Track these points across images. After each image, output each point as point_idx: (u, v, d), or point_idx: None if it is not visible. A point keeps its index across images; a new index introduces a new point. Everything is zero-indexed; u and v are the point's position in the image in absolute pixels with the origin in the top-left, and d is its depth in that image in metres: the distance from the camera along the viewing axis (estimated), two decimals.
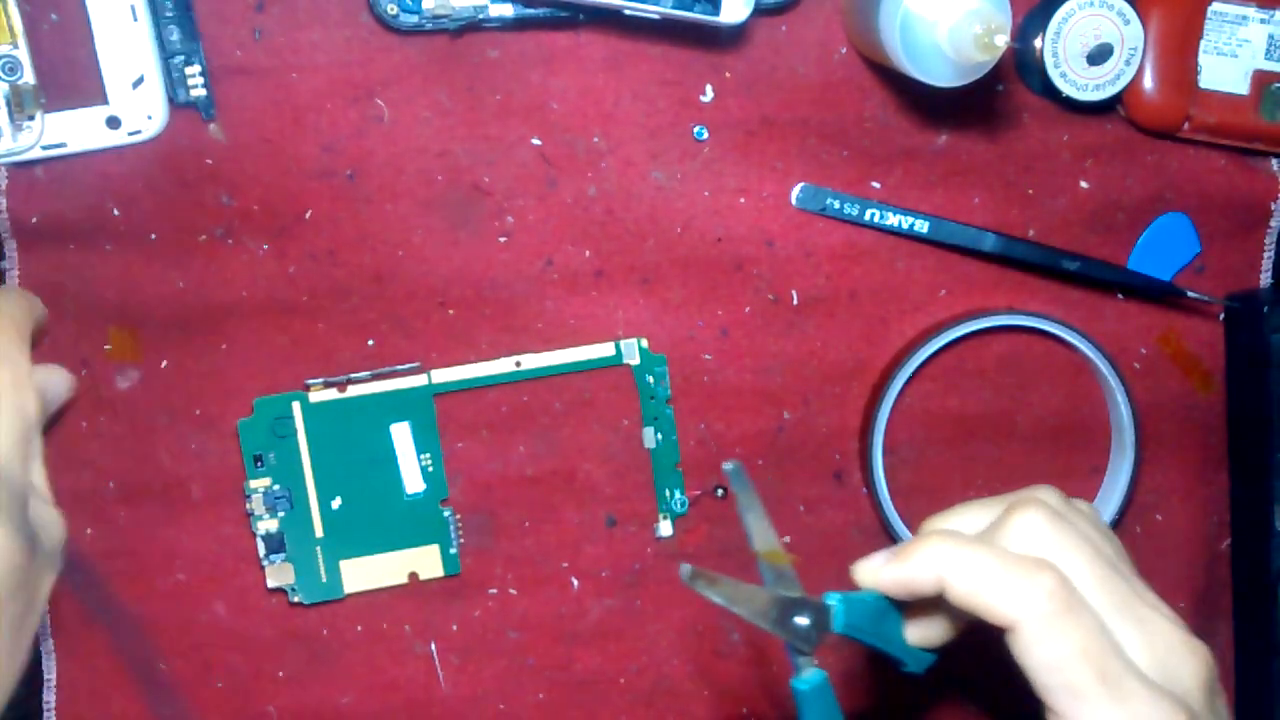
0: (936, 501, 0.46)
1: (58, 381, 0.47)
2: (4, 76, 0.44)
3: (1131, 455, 0.52)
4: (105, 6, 0.45)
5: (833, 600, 0.38)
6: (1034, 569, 0.35)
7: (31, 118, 0.44)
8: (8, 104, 0.44)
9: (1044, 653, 0.35)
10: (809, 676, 0.37)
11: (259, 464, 0.49)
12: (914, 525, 0.50)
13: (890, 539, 0.52)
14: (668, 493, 0.51)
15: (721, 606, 0.37)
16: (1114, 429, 0.53)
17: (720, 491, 0.51)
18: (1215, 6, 0.50)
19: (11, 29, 0.44)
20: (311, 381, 0.49)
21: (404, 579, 0.50)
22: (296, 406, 0.49)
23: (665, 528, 0.51)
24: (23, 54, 0.44)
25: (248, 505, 0.49)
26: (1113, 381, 0.51)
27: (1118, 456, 0.53)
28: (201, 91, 0.46)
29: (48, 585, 0.41)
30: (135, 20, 0.45)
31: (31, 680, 0.49)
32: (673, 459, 0.51)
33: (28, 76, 0.44)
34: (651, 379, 0.51)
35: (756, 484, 0.52)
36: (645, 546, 0.52)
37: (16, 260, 0.47)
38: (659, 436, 0.51)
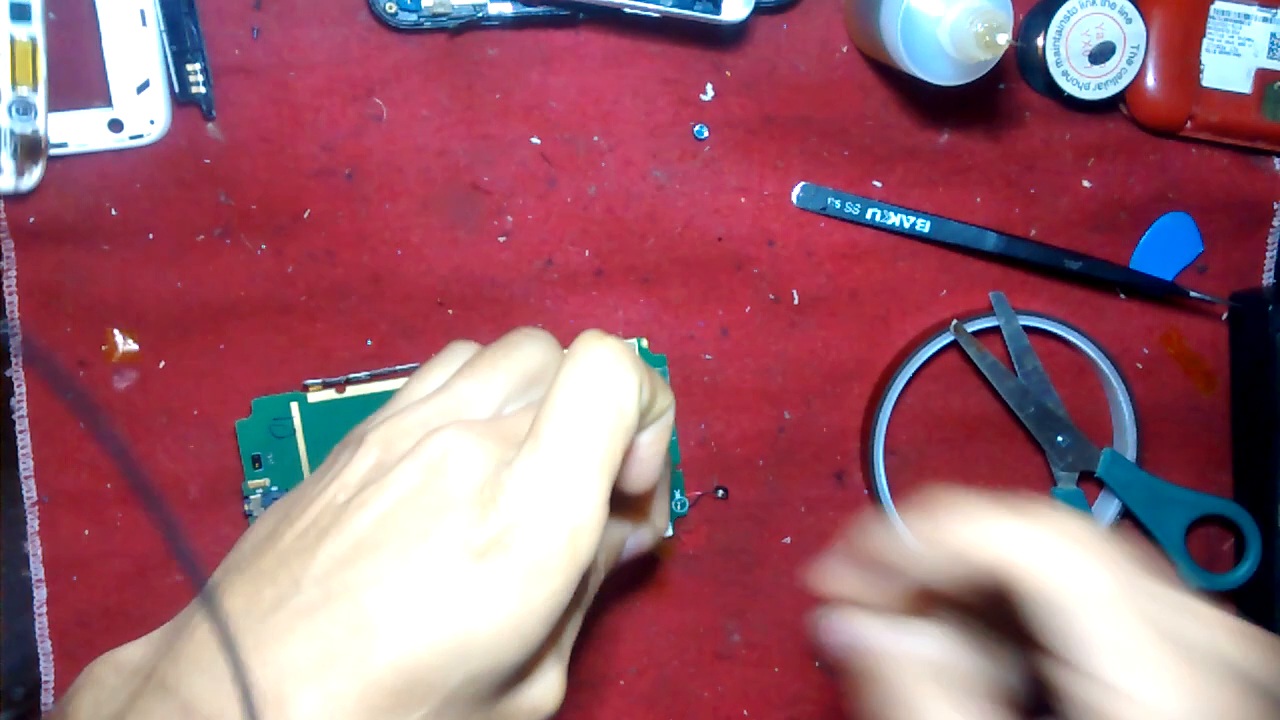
0: None
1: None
2: (17, 118, 0.43)
3: (1134, 455, 0.52)
4: (115, 9, 0.45)
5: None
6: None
7: (36, 164, 0.44)
8: (15, 147, 0.44)
9: None
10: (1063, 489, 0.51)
11: (257, 465, 0.49)
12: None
13: None
14: None
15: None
16: (1116, 429, 0.53)
17: (720, 492, 0.51)
18: (1217, 5, 0.49)
19: (35, 74, 0.44)
20: (310, 382, 0.49)
21: None
22: (295, 407, 0.49)
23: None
24: (40, 100, 0.44)
25: (246, 506, 0.49)
26: (1114, 381, 0.51)
27: (1121, 453, 0.52)
28: (201, 89, 0.46)
29: None
30: (144, 25, 0.45)
31: (30, 681, 0.49)
32: (673, 460, 0.51)
33: (39, 124, 0.44)
34: None
35: (757, 483, 0.52)
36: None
37: (14, 260, 0.47)
38: None
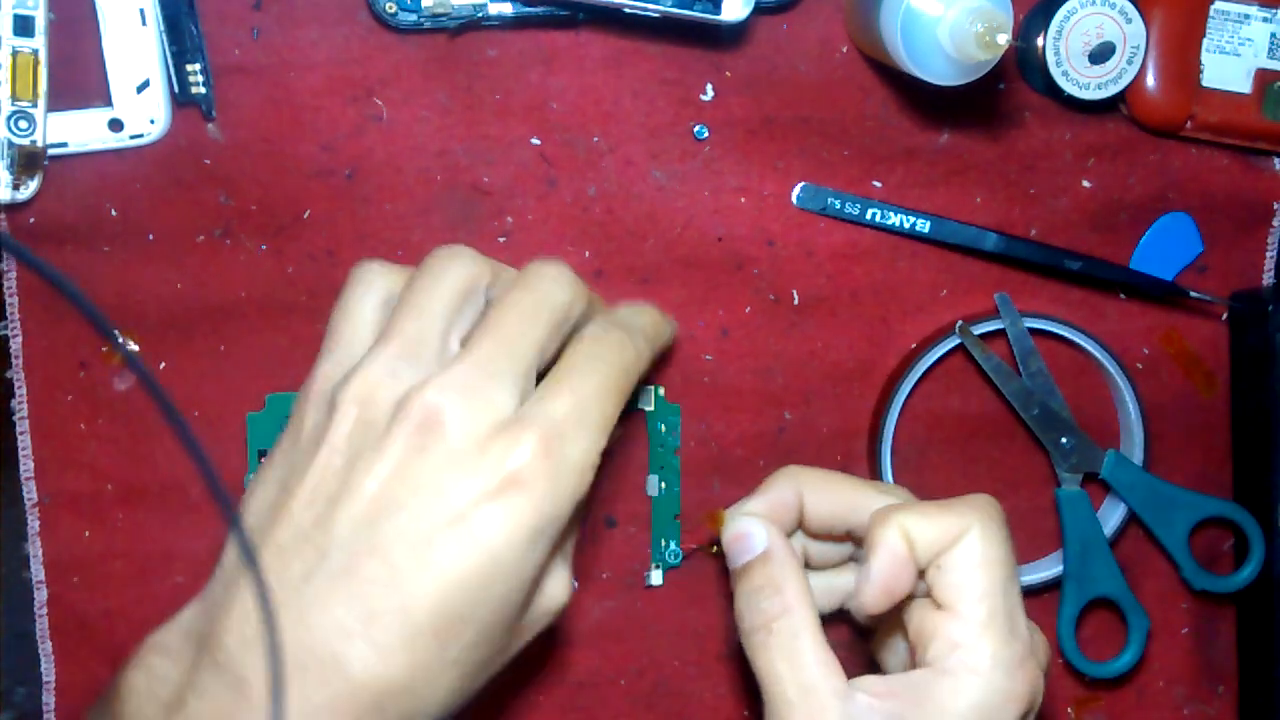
0: None
1: None
2: (16, 132, 0.43)
3: (1140, 457, 0.52)
4: (115, 9, 0.45)
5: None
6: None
7: (33, 178, 0.44)
8: (13, 159, 0.44)
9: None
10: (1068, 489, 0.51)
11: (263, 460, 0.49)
12: None
13: None
14: (663, 542, 0.51)
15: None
16: (1122, 430, 0.53)
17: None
18: (1217, 5, 0.49)
19: (36, 86, 0.44)
20: None
21: None
22: None
23: (656, 577, 0.51)
24: (39, 114, 0.44)
25: None
26: (1120, 382, 0.51)
27: (1127, 454, 0.52)
28: (201, 90, 0.46)
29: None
30: (144, 24, 0.45)
31: (31, 682, 0.49)
32: (673, 510, 0.50)
33: (38, 136, 0.44)
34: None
35: (757, 484, 0.52)
36: (645, 548, 0.51)
37: (15, 261, 0.47)
38: (663, 485, 0.50)
